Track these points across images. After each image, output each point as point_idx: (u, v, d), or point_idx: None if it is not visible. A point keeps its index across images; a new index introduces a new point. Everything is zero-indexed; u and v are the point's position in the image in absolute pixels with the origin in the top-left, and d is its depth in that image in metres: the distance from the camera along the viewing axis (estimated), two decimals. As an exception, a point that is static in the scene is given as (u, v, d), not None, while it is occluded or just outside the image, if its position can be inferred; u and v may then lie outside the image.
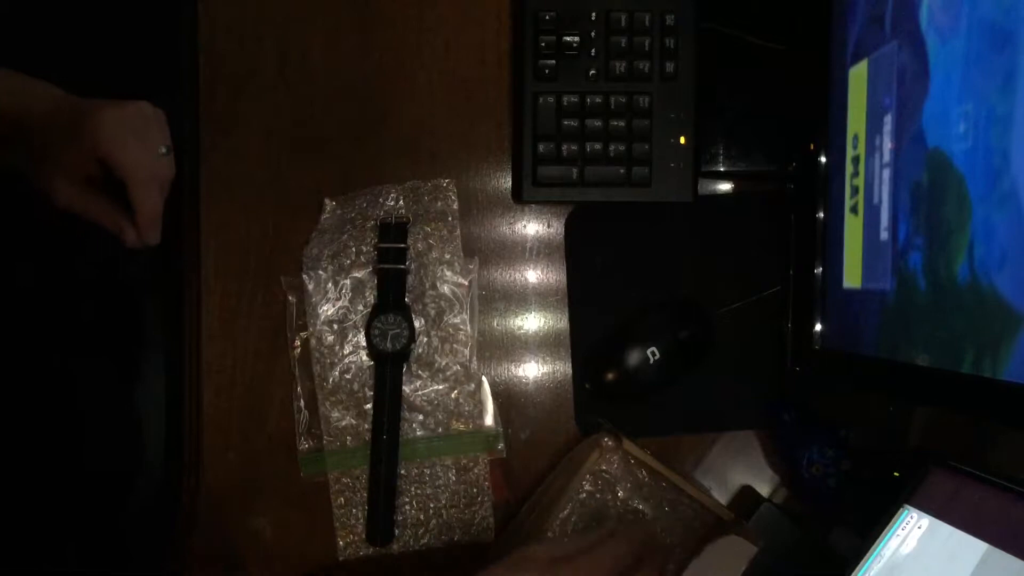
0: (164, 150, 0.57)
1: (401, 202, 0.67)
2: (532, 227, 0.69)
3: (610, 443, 0.63)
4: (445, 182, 0.67)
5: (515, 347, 0.68)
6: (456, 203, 0.67)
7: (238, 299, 0.67)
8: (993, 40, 0.41)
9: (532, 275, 0.69)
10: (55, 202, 0.56)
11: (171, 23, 0.69)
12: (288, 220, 0.67)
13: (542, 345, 0.69)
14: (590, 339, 0.68)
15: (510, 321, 0.69)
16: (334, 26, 0.67)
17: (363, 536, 0.66)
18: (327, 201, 0.67)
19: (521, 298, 0.69)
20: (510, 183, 0.68)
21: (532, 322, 0.69)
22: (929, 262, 0.47)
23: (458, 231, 0.67)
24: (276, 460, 0.67)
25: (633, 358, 0.65)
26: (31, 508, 0.66)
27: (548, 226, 0.69)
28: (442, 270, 0.66)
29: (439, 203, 0.67)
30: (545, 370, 0.69)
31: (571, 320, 0.68)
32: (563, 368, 0.69)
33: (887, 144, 0.51)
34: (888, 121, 0.51)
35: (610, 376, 0.66)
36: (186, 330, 0.67)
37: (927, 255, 0.47)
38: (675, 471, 0.64)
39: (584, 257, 0.68)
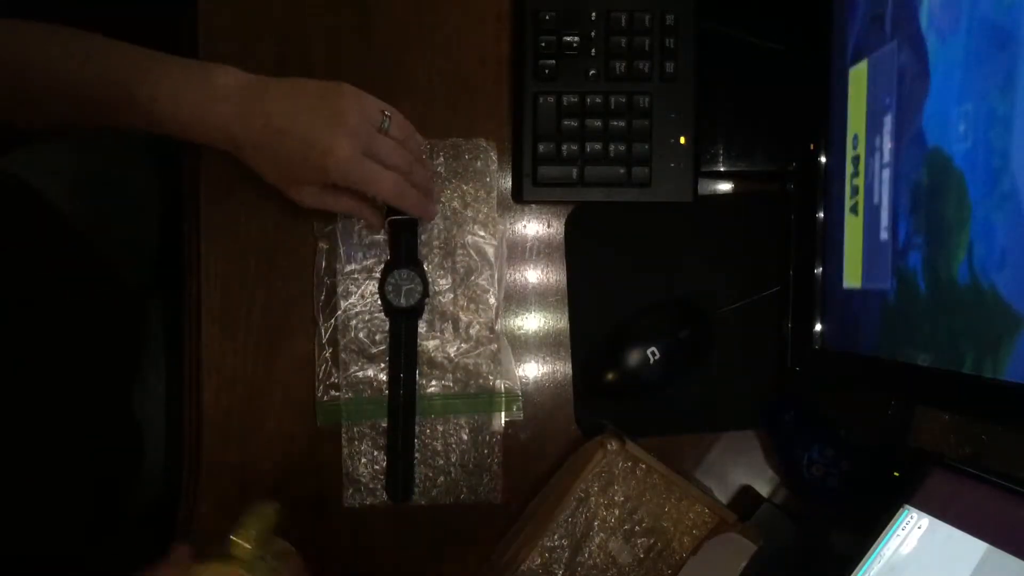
0: (385, 123, 0.57)
1: (441, 158, 0.67)
2: (532, 227, 0.69)
3: (614, 445, 0.63)
4: (485, 143, 0.68)
5: (515, 347, 0.68)
6: (496, 164, 0.68)
7: (238, 299, 0.67)
8: (993, 40, 0.41)
9: (532, 275, 0.69)
10: (301, 204, 0.58)
11: (171, 23, 0.69)
12: (288, 220, 0.67)
13: (542, 345, 0.69)
14: (590, 339, 0.68)
15: (510, 321, 0.69)
16: (334, 26, 0.67)
17: (368, 485, 0.67)
18: None
19: (521, 298, 0.69)
20: (510, 183, 0.68)
21: (532, 322, 0.69)
22: (929, 262, 0.47)
23: (495, 192, 0.68)
24: (276, 460, 0.67)
25: (633, 358, 0.65)
26: (31, 508, 0.66)
27: (548, 226, 0.69)
28: (475, 229, 0.67)
29: (479, 162, 0.67)
30: (545, 370, 0.69)
31: (571, 320, 0.68)
32: (563, 368, 0.69)
33: (887, 144, 0.51)
34: (888, 121, 0.51)
35: (610, 376, 0.66)
36: (186, 330, 0.67)
37: (927, 255, 0.47)
38: (676, 472, 0.64)
39: (584, 257, 0.68)
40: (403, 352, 0.66)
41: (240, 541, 0.50)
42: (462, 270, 0.67)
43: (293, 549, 0.55)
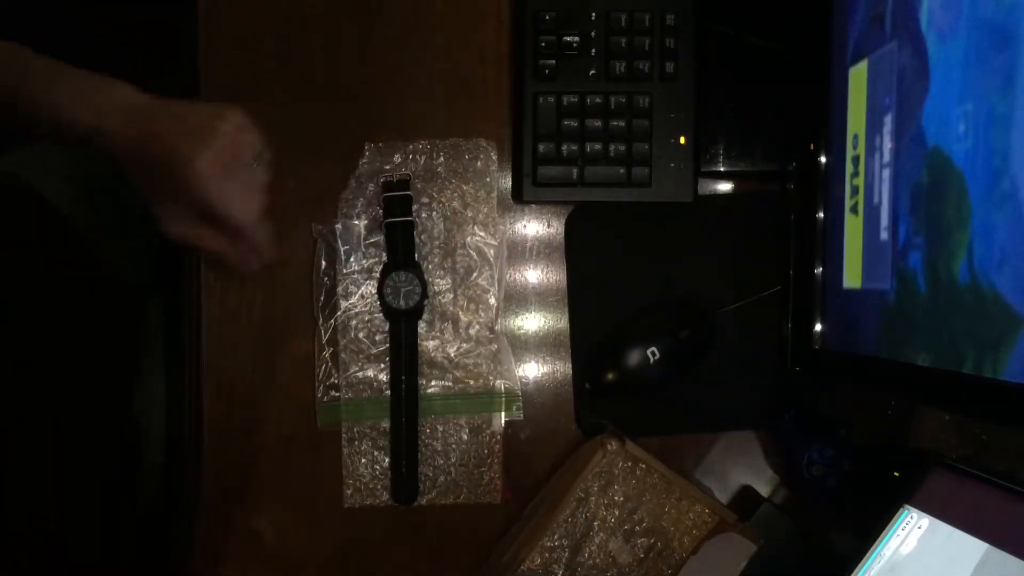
0: (256, 161, 0.56)
1: (441, 158, 0.67)
2: (532, 227, 0.69)
3: (613, 444, 0.63)
4: (485, 143, 0.68)
5: (515, 347, 0.68)
6: (495, 164, 0.68)
7: (238, 299, 0.67)
8: (993, 40, 0.41)
9: (532, 275, 0.69)
10: (164, 232, 0.56)
11: (171, 23, 0.69)
12: (288, 220, 0.67)
13: (542, 345, 0.69)
14: (590, 339, 0.68)
15: (510, 321, 0.69)
16: (334, 26, 0.67)
17: (368, 485, 0.67)
18: (367, 145, 0.67)
19: (521, 298, 0.69)
20: (510, 183, 0.68)
21: (532, 322, 0.69)
22: (929, 262, 0.47)
23: (495, 192, 0.68)
24: (276, 460, 0.67)
25: (633, 358, 0.65)
26: (31, 508, 0.66)
27: (548, 226, 0.69)
28: (475, 229, 0.67)
29: (479, 162, 0.67)
30: (545, 370, 0.69)
31: (571, 320, 0.68)
32: (563, 368, 0.69)
33: (887, 144, 0.51)
34: (888, 121, 0.51)
35: (610, 376, 0.66)
36: (186, 330, 0.67)
37: (927, 255, 0.47)
38: (676, 472, 0.64)
39: (584, 257, 0.68)
40: (404, 354, 0.66)
41: None
42: (462, 270, 0.67)
43: None
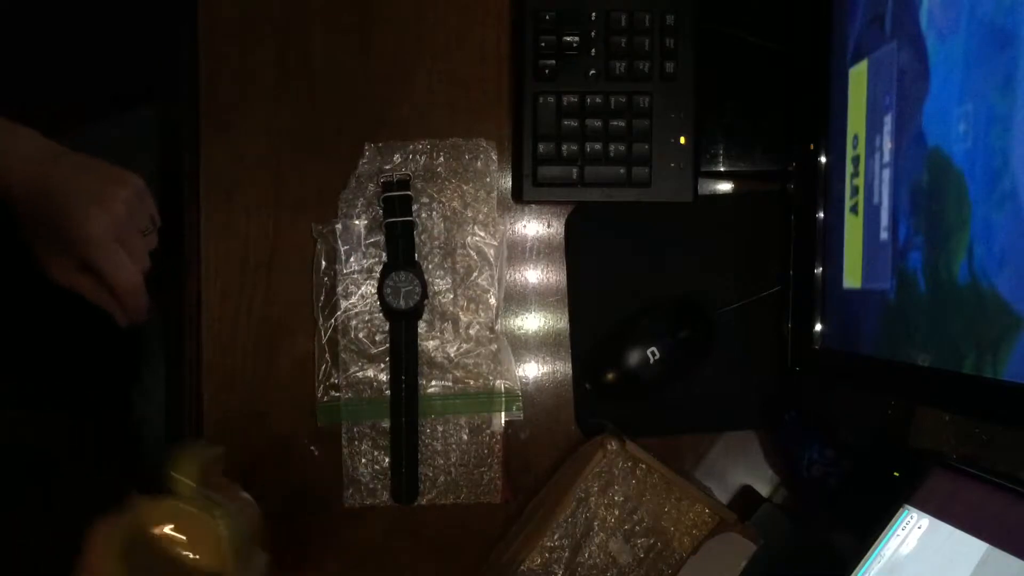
0: (149, 228, 0.57)
1: (441, 158, 0.67)
2: (532, 227, 0.69)
3: (614, 445, 0.63)
4: (485, 143, 0.68)
5: (515, 347, 0.68)
6: (495, 164, 0.68)
7: (238, 299, 0.67)
8: (993, 40, 0.41)
9: (532, 275, 0.69)
10: (48, 275, 0.56)
11: (171, 23, 0.69)
12: (288, 220, 0.67)
13: (542, 345, 0.69)
14: (590, 339, 0.68)
15: (510, 321, 0.69)
16: (334, 26, 0.67)
17: (368, 485, 0.67)
18: (367, 145, 0.67)
19: (521, 298, 0.69)
20: (510, 183, 0.68)
21: (532, 322, 0.69)
22: (929, 262, 0.47)
23: (495, 192, 0.68)
24: (276, 460, 0.67)
25: (633, 358, 0.65)
26: (31, 509, 0.66)
27: (548, 226, 0.69)
28: (475, 229, 0.67)
29: (479, 162, 0.67)
30: (545, 370, 0.69)
31: (571, 320, 0.68)
32: (563, 368, 0.69)
33: (887, 144, 0.51)
34: (888, 121, 0.51)
35: (610, 376, 0.66)
36: (186, 330, 0.67)
37: (927, 255, 0.47)
38: (676, 472, 0.64)
39: (584, 257, 0.68)
40: (404, 354, 0.66)
41: (180, 477, 0.49)
42: (462, 270, 0.67)
43: (250, 498, 0.54)
